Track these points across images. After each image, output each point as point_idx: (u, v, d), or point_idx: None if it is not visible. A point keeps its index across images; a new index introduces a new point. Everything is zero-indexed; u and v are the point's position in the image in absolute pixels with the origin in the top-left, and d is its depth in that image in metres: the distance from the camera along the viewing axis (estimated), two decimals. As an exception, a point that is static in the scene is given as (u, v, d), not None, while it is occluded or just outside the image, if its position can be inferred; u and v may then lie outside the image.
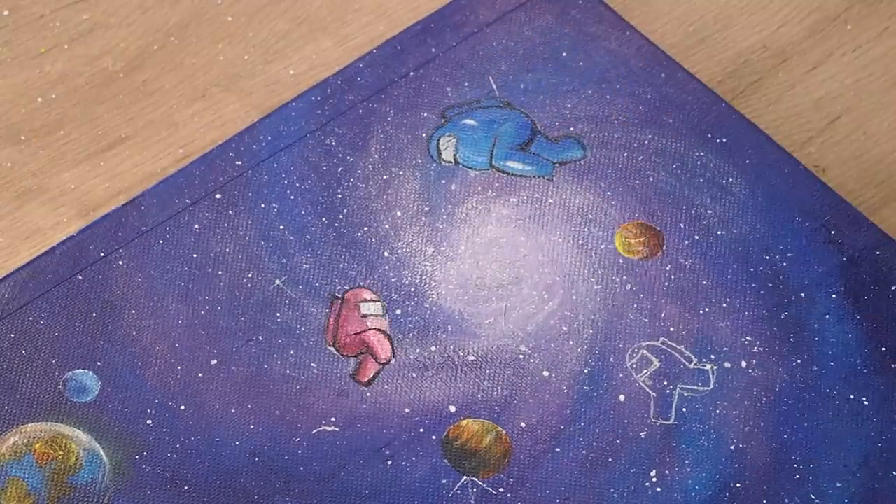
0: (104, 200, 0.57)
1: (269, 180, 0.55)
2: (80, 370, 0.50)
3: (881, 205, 0.58)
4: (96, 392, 0.50)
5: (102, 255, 0.53)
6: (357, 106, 0.57)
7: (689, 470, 0.49)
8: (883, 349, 0.52)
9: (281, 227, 0.54)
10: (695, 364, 0.51)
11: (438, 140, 0.57)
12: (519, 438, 0.50)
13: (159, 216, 0.54)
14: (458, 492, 0.49)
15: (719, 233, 0.54)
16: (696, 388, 0.51)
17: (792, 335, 0.52)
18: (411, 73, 0.58)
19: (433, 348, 0.52)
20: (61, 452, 0.49)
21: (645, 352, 0.52)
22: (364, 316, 0.52)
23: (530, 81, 0.58)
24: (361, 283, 0.53)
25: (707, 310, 0.53)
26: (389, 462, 0.49)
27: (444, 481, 0.49)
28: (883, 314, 0.52)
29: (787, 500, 0.49)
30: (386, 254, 0.54)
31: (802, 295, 0.53)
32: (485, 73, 0.58)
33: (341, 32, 0.62)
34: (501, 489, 0.49)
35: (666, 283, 0.53)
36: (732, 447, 0.50)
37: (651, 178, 0.56)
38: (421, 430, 0.50)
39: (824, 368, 0.51)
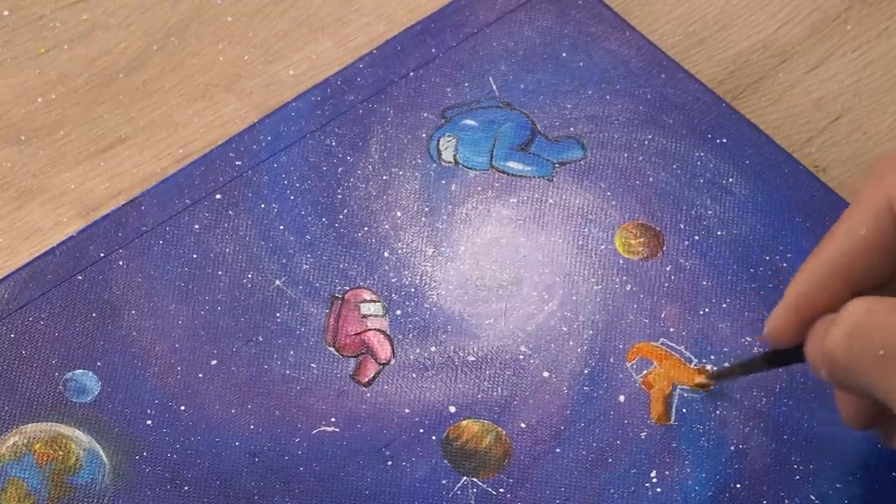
0: (104, 200, 0.57)
1: (269, 180, 0.55)
2: (80, 370, 0.50)
3: (881, 205, 0.58)
4: (96, 392, 0.50)
5: (102, 255, 0.53)
6: (357, 106, 0.57)
7: (688, 470, 0.49)
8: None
9: (281, 227, 0.54)
10: (695, 364, 0.51)
11: (438, 140, 0.57)
12: (519, 439, 0.50)
13: (159, 216, 0.54)
14: (458, 492, 0.49)
15: (719, 233, 0.54)
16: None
17: (792, 335, 0.52)
18: (411, 74, 0.58)
19: (433, 349, 0.52)
20: (61, 452, 0.49)
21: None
22: (364, 316, 0.52)
23: (530, 82, 0.58)
24: (361, 284, 0.53)
25: (707, 310, 0.53)
26: (389, 462, 0.49)
27: (444, 482, 0.49)
28: (883, 315, 0.52)
29: (787, 501, 0.49)
30: (386, 254, 0.54)
31: (802, 295, 0.53)
32: (485, 74, 0.58)
33: (341, 32, 0.62)
34: (501, 489, 0.49)
35: (666, 284, 0.53)
36: (732, 448, 0.50)
37: (651, 179, 0.56)
38: (421, 431, 0.50)
39: (824, 369, 0.51)
